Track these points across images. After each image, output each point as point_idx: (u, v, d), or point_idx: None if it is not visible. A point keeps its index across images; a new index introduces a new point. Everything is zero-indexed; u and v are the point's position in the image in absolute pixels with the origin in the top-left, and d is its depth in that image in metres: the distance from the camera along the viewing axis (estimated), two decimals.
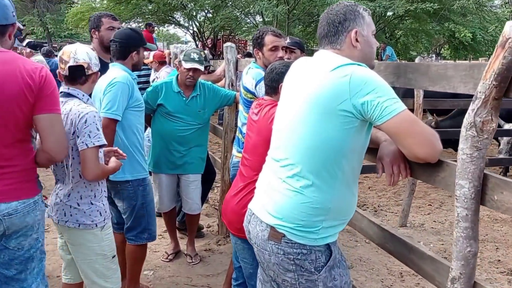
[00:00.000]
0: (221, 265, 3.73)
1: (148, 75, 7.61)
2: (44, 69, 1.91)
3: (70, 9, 21.36)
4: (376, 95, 1.47)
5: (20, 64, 1.84)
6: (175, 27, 20.74)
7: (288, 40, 3.39)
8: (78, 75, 2.22)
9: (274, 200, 1.67)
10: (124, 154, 2.43)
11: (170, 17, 18.54)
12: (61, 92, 2.21)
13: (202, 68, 3.39)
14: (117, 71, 2.78)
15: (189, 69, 3.35)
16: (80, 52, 2.22)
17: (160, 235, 4.17)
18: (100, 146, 2.16)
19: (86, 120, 2.11)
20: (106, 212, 2.30)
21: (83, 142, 2.10)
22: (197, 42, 19.48)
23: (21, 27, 2.48)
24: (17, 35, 12.35)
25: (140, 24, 17.62)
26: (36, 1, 24.99)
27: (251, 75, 2.97)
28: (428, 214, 5.35)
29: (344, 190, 1.64)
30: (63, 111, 2.15)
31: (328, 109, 1.52)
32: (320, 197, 1.60)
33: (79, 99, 2.21)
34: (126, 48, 2.84)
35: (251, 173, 2.20)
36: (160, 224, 3.89)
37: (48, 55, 8.42)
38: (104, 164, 2.25)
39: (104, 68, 2.87)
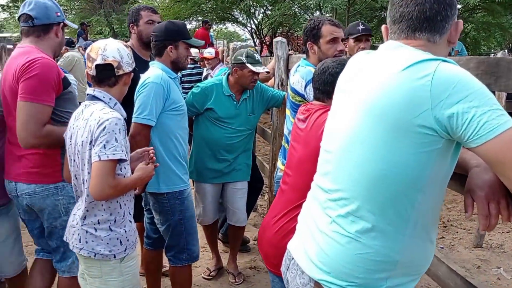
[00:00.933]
0: (267, 287, 3.33)
1: (200, 73, 7.40)
2: (35, 61, 2.07)
3: None
4: (471, 104, 1.01)
5: (22, 57, 2.09)
6: (234, 24, 20.58)
7: (361, 26, 2.92)
8: (106, 76, 1.89)
9: (320, 246, 1.24)
10: (154, 158, 2.05)
11: (228, 15, 18.37)
12: (87, 95, 1.92)
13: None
14: (152, 70, 2.48)
15: (254, 72, 2.98)
16: (109, 49, 1.88)
17: (203, 247, 3.84)
18: (119, 161, 1.81)
19: (104, 128, 1.77)
20: (128, 240, 1.93)
21: (96, 154, 1.76)
22: (255, 40, 19.20)
23: (74, 26, 2.74)
24: (81, 34, 12.69)
25: (198, 22, 17.62)
26: (103, 2, 25.89)
27: (300, 74, 2.52)
28: (508, 232, 4.64)
29: (419, 236, 1.18)
30: (83, 117, 1.85)
31: (398, 124, 1.07)
32: (384, 246, 1.15)
33: (105, 103, 1.88)
34: (162, 43, 2.51)
35: (293, 196, 1.78)
36: (201, 236, 3.55)
37: None
38: (123, 178, 1.86)
39: (144, 67, 2.62)
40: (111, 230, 1.87)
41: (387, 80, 1.11)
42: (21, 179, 2.18)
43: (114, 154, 1.76)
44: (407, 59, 1.11)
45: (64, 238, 2.01)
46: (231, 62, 3.18)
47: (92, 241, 1.87)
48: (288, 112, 2.70)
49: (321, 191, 1.29)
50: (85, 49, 7.50)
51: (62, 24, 2.31)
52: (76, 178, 1.93)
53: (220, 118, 3.05)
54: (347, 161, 1.19)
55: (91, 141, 1.79)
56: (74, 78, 6.41)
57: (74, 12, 25.51)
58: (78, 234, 1.89)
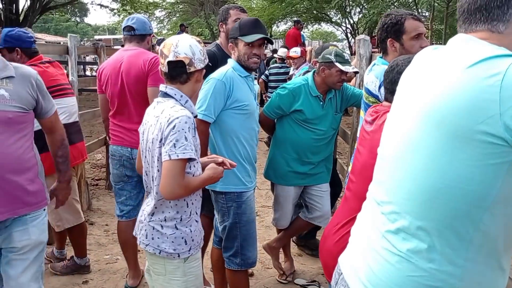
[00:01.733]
0: None
1: (287, 73, 7.36)
2: (154, 58, 2.82)
3: None
4: None
5: (144, 55, 2.87)
6: (329, 24, 20.28)
7: None
8: (178, 72, 1.87)
9: (369, 263, 1.11)
10: (232, 164, 2.01)
11: (323, 14, 18.15)
12: (160, 91, 1.93)
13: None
14: (222, 67, 2.46)
15: (342, 72, 2.87)
16: (182, 45, 1.86)
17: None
18: (189, 160, 1.79)
19: (174, 126, 1.75)
20: (193, 240, 1.91)
21: (166, 153, 1.74)
22: (350, 40, 18.75)
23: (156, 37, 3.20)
24: (180, 34, 13.31)
25: (292, 23, 17.61)
26: (204, 4, 26.98)
27: (375, 73, 2.33)
28: None
29: (485, 263, 1.00)
30: (155, 113, 1.87)
31: (459, 131, 0.92)
32: (440, 270, 0.99)
33: (176, 100, 1.87)
34: (231, 40, 2.50)
35: (356, 204, 1.64)
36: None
37: None
38: (193, 178, 1.85)
39: None
40: (177, 229, 1.86)
41: (450, 79, 0.95)
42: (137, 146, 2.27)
43: (184, 153, 1.73)
44: (475, 54, 0.94)
45: (133, 233, 2.05)
46: (318, 61, 3.08)
47: (158, 238, 1.87)
48: (362, 113, 2.53)
49: (374, 202, 1.16)
50: None
51: (152, 34, 3.05)
52: (146, 174, 1.96)
53: (308, 119, 2.96)
54: (400, 170, 1.05)
55: (161, 139, 1.78)
56: None
57: (177, 15, 26.90)
58: (145, 230, 1.91)
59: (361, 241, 1.19)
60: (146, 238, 1.90)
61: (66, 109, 3.10)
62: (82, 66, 14.72)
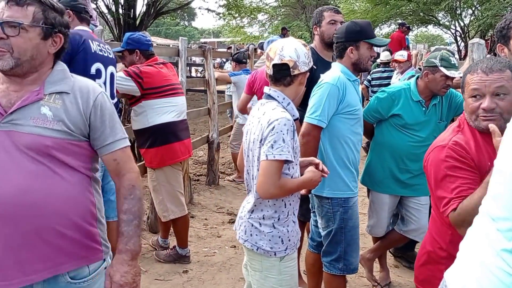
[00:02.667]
0: None
1: (390, 77, 7.12)
2: None
3: None
4: None
5: None
6: (436, 27, 19.23)
7: None
8: (282, 75, 1.92)
9: (480, 282, 1.05)
10: (327, 171, 2.02)
11: (431, 17, 17.26)
12: (264, 93, 2.00)
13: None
14: (331, 71, 2.45)
15: (448, 77, 2.76)
16: (287, 48, 1.91)
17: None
18: (286, 162, 1.83)
19: (273, 128, 1.79)
20: (289, 240, 1.94)
21: (264, 153, 1.80)
22: (460, 43, 17.59)
23: None
24: (281, 37, 13.51)
25: (397, 26, 16.97)
26: (305, 7, 27.04)
27: None
28: None
29: None
30: (258, 115, 1.93)
31: None
32: None
33: (278, 102, 1.92)
34: (342, 44, 2.47)
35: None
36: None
37: None
38: (290, 179, 1.88)
39: (325, 68, 2.63)
40: (274, 228, 1.90)
41: None
42: None
43: (280, 154, 1.77)
44: None
45: (234, 228, 2.14)
46: (422, 65, 2.96)
47: (256, 235, 1.92)
48: None
49: (488, 217, 1.09)
50: None
51: None
52: (247, 173, 2.02)
53: (407, 125, 2.87)
54: None
55: (261, 140, 1.84)
56: None
57: (279, 18, 27.28)
58: (245, 226, 1.97)
59: (472, 257, 1.13)
60: (245, 234, 1.96)
61: (176, 107, 3.31)
62: (188, 68, 15.58)
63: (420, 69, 5.30)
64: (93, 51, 2.63)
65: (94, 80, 2.54)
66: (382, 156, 2.98)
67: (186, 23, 50.99)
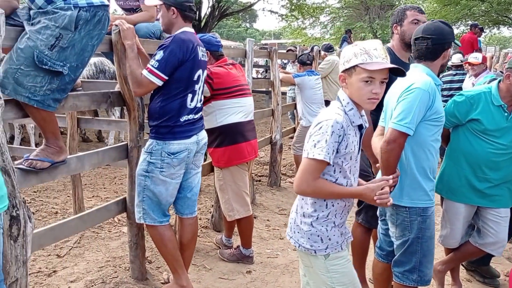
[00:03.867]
0: None
1: (462, 81, 6.78)
2: None
3: None
4: None
5: None
6: (510, 28, 18.14)
7: None
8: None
9: None
10: (391, 181, 1.90)
11: (504, 17, 16.30)
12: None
13: None
14: (418, 75, 2.29)
15: None
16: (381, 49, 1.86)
17: None
18: (325, 164, 1.78)
19: (321, 127, 1.78)
20: (330, 239, 1.89)
21: (306, 150, 1.81)
22: None
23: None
24: (345, 39, 13.30)
25: (467, 27, 16.22)
26: (369, 8, 26.53)
27: None
28: None
29: None
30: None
31: None
32: None
33: (341, 104, 1.86)
34: (440, 46, 2.31)
35: None
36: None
37: None
38: (329, 183, 1.83)
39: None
40: (312, 226, 1.89)
41: None
42: None
43: (319, 154, 1.75)
44: None
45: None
46: (505, 67, 2.78)
47: (298, 232, 1.93)
48: None
49: None
50: None
51: None
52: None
53: (486, 130, 2.71)
54: None
55: (310, 135, 1.84)
56: (332, 79, 6.69)
57: (341, 20, 26.89)
58: (290, 223, 2.00)
59: None
60: (290, 230, 1.99)
61: (244, 108, 3.33)
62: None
63: (501, 72, 5.00)
64: (199, 58, 2.66)
65: (194, 86, 2.65)
66: (458, 163, 2.83)
67: (247, 24, 51.57)
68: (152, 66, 2.52)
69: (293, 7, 17.61)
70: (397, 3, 28.89)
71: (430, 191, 2.31)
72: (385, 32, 26.57)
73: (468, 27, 15.43)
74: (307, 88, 5.51)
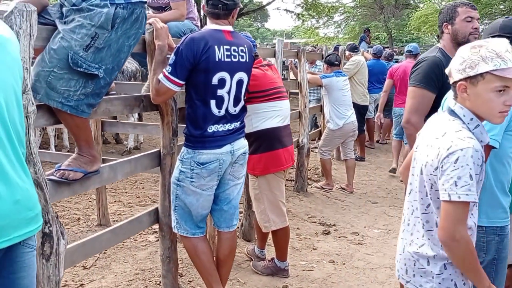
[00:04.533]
0: None
1: None
2: None
3: (414, 13, 21.44)
4: None
5: None
6: None
7: None
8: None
9: None
10: None
11: None
12: (447, 108, 1.66)
13: None
14: None
15: None
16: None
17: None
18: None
19: (457, 160, 1.45)
20: (464, 284, 1.62)
21: (445, 191, 1.47)
22: None
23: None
24: (364, 38, 13.06)
25: (484, 26, 15.84)
26: (384, 8, 26.24)
27: None
28: None
29: None
30: (435, 132, 1.60)
31: None
32: None
33: (462, 122, 1.56)
34: None
35: None
36: None
37: (389, 58, 8.35)
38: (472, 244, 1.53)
39: None
40: (446, 269, 1.60)
41: None
42: None
43: (467, 195, 1.44)
44: None
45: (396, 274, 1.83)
46: None
47: (421, 276, 1.63)
48: None
49: None
50: (375, 54, 7.63)
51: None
52: (409, 194, 1.73)
53: None
54: None
55: (436, 167, 1.53)
56: (358, 80, 6.45)
57: (355, 19, 26.59)
58: (405, 264, 1.70)
59: None
60: (406, 273, 1.68)
61: (281, 112, 3.12)
62: None
63: None
64: (217, 59, 2.35)
65: (216, 91, 2.39)
66: None
67: (258, 24, 51.33)
68: (166, 71, 2.32)
69: (308, 6, 17.35)
70: (412, 2, 28.59)
71: (508, 207, 2.08)
72: (400, 31, 26.29)
73: (485, 26, 15.07)
74: (335, 90, 5.29)
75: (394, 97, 6.47)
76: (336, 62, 5.40)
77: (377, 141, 8.35)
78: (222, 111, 2.44)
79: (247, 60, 2.54)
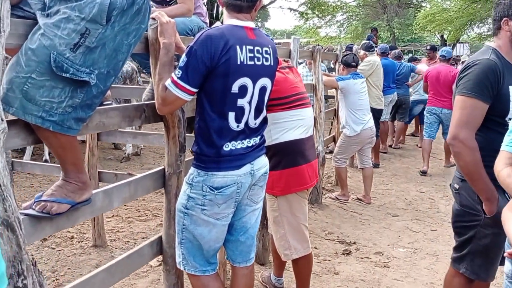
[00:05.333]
0: None
1: None
2: None
3: (418, 12, 21.11)
4: None
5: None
6: None
7: None
8: None
9: None
10: None
11: None
12: None
13: None
14: None
15: None
16: None
17: None
18: None
19: None
20: None
21: None
22: None
23: None
24: (371, 38, 12.62)
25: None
26: (387, 7, 25.94)
27: None
28: None
29: None
30: None
31: None
32: None
33: None
34: None
35: None
36: None
37: (399, 58, 7.93)
38: None
39: None
40: None
41: None
42: None
43: None
44: None
45: None
46: None
47: None
48: None
49: None
50: (383, 52, 7.19)
51: None
52: None
53: None
54: None
55: None
56: (373, 82, 6.01)
57: (357, 18, 26.20)
58: None
59: None
60: None
61: (304, 121, 2.69)
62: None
63: None
64: (239, 62, 1.90)
65: (236, 100, 1.94)
66: None
67: (259, 23, 50.89)
68: (175, 75, 1.88)
69: (313, 5, 16.92)
70: (415, 1, 28.22)
71: None
72: (403, 30, 25.91)
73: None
74: (352, 93, 4.86)
75: (429, 98, 6.62)
76: (353, 63, 4.97)
77: (390, 146, 7.92)
78: (242, 125, 2.00)
79: (272, 64, 2.09)
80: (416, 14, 25.62)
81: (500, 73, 2.11)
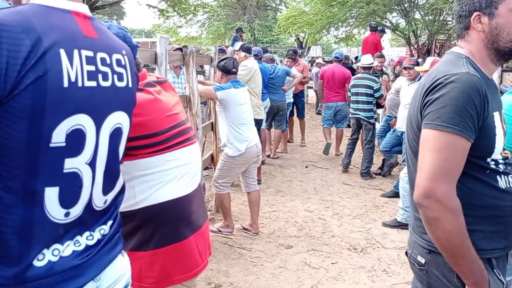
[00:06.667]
0: None
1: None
2: None
3: (275, 15, 21.52)
4: None
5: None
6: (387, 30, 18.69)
7: None
8: None
9: None
10: None
11: (385, 20, 16.59)
12: None
13: None
14: None
15: None
16: None
17: None
18: None
19: None
20: None
21: None
22: (412, 48, 17.12)
23: None
24: (237, 39, 12.06)
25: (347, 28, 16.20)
26: (246, 8, 26.24)
27: None
28: None
29: None
30: None
31: None
32: None
33: None
34: None
35: None
36: None
37: (272, 61, 7.34)
38: None
39: None
40: None
41: None
42: None
43: None
44: None
45: None
46: None
47: None
48: None
49: None
50: (256, 55, 6.50)
51: None
52: None
53: None
54: None
55: None
56: (251, 90, 5.20)
57: (218, 19, 25.92)
58: None
59: None
60: None
61: (189, 167, 1.72)
62: None
63: None
64: (66, 83, 0.90)
65: (61, 163, 0.88)
66: None
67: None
68: None
69: (174, 2, 15.86)
70: (273, 4, 29.01)
71: None
72: (263, 33, 26.32)
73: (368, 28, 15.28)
74: (233, 105, 4.01)
75: (325, 94, 7.43)
76: (234, 69, 4.11)
77: (268, 156, 7.30)
78: (76, 210, 0.98)
79: (129, 84, 1.10)
80: (274, 16, 26.24)
81: (485, 94, 1.41)
